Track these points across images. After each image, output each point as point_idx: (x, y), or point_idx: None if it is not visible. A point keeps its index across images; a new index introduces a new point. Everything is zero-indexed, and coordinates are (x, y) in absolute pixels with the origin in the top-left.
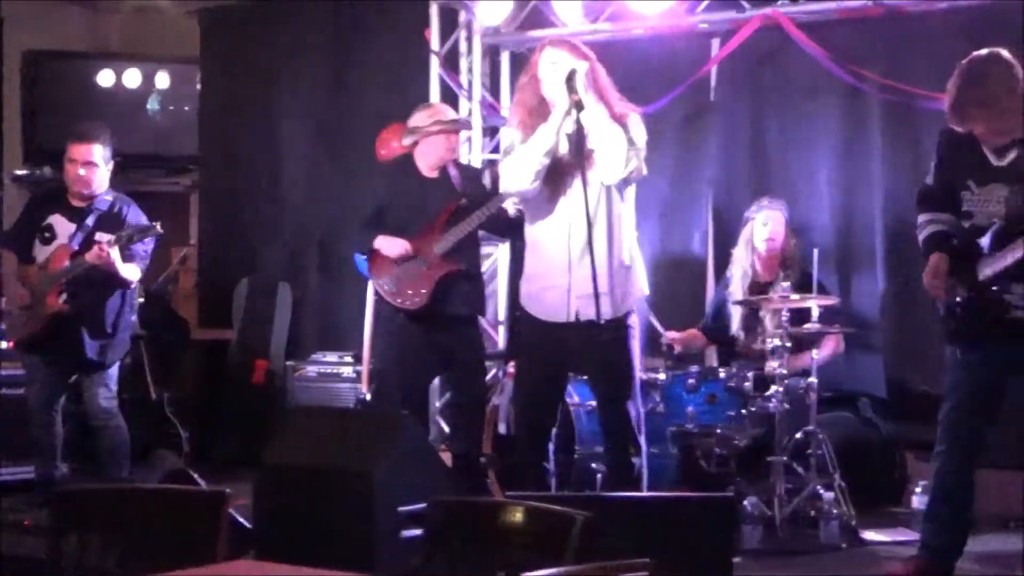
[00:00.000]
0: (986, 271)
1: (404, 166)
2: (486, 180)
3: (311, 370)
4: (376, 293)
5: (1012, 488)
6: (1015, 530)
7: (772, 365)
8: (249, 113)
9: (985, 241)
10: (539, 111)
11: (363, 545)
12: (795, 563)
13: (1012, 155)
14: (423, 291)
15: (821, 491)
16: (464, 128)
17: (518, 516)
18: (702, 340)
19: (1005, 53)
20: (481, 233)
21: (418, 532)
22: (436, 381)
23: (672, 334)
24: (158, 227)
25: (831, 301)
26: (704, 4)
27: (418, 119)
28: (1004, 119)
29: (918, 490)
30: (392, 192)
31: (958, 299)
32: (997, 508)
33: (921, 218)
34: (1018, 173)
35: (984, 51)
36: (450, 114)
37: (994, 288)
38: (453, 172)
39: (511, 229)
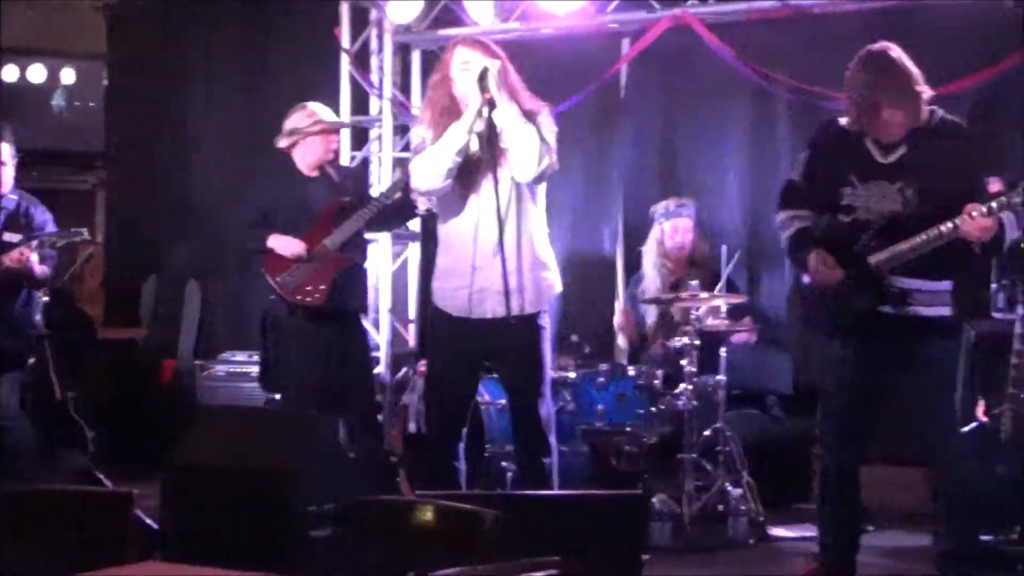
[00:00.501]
0: (879, 263)
1: (285, 166)
2: (396, 177)
3: (220, 369)
4: (272, 296)
5: (915, 483)
6: (920, 525)
7: (682, 363)
8: (157, 110)
9: (870, 235)
10: (450, 110)
11: (272, 545)
12: (704, 560)
13: (899, 152)
14: (322, 287)
15: (729, 488)
16: (343, 128)
17: (428, 515)
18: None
19: (896, 47)
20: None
21: (328, 532)
22: None
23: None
24: (85, 233)
25: (740, 299)
26: (614, 4)
27: (296, 120)
28: (908, 109)
29: None
30: (276, 192)
31: (832, 299)
32: (902, 504)
33: (783, 214)
34: (904, 170)
35: (879, 44)
36: (328, 115)
37: (882, 281)
38: (331, 171)
39: (398, 222)
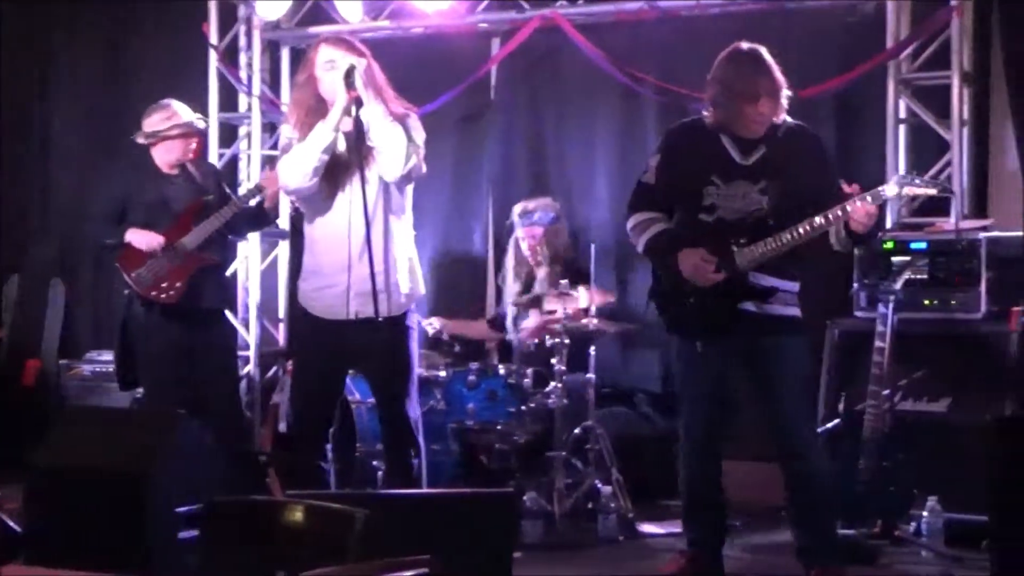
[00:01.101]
0: (745, 261)
1: (147, 162)
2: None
3: (86, 369)
4: (127, 291)
5: (778, 479)
6: (784, 520)
7: (552, 362)
8: (17, 107)
9: (736, 234)
10: (317, 109)
11: (138, 548)
12: (574, 557)
13: (758, 154)
14: (178, 284)
15: (599, 485)
16: (202, 128)
17: (298, 515)
18: (478, 328)
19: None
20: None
21: (195, 533)
22: None
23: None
24: None
25: (608, 298)
26: (484, 4)
27: (155, 122)
28: (771, 108)
29: None
30: (135, 189)
31: (691, 298)
32: (768, 499)
33: (636, 218)
34: (764, 171)
35: (746, 44)
36: (188, 115)
37: (747, 280)
38: (192, 169)
39: (254, 227)
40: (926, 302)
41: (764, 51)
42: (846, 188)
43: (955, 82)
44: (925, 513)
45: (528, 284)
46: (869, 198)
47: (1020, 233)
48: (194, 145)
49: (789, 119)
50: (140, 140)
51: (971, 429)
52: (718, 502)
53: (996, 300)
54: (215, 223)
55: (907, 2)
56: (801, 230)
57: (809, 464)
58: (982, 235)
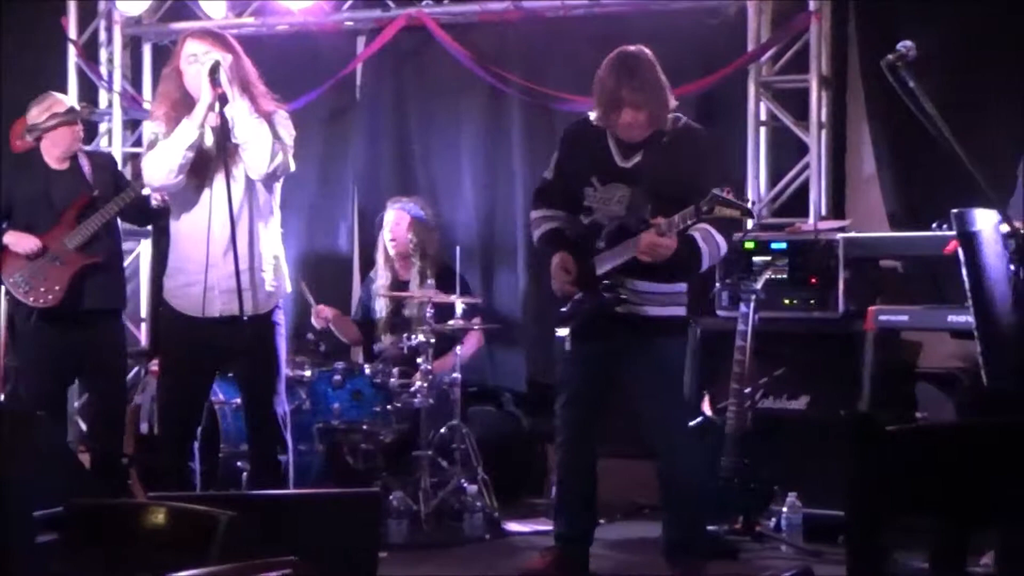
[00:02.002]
0: (604, 267)
1: (32, 159)
2: (127, 173)
3: None
4: (8, 292)
5: (643, 476)
6: (648, 516)
7: (418, 361)
8: None
9: (601, 238)
10: (183, 104)
11: None
12: (440, 556)
13: (637, 158)
14: (57, 288)
15: (465, 485)
16: (84, 116)
17: (160, 517)
18: (354, 329)
19: (649, 52)
20: (124, 225)
21: (54, 537)
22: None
23: (324, 309)
24: None
25: (473, 299)
26: (349, 3)
27: (33, 116)
28: (652, 112)
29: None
30: (18, 186)
31: (577, 295)
32: (630, 496)
33: (535, 213)
34: (640, 176)
35: (634, 46)
36: (65, 105)
37: (607, 283)
38: (84, 162)
39: (152, 218)
40: (786, 301)
41: (645, 57)
42: (658, 221)
43: (813, 85)
44: (785, 509)
45: (395, 282)
46: (664, 226)
47: (876, 234)
48: (81, 133)
49: (685, 120)
50: (28, 138)
51: (829, 426)
52: (589, 500)
53: (853, 300)
54: (99, 221)
55: (768, 5)
56: (626, 248)
57: (681, 463)
58: (839, 236)
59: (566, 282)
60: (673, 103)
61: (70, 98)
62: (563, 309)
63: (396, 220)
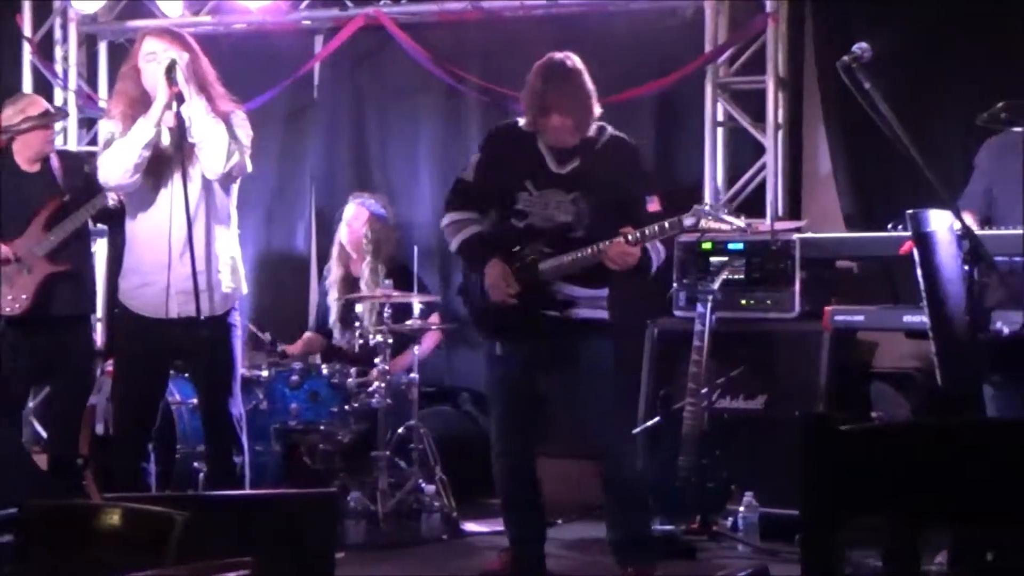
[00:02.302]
0: (551, 271)
1: (2, 158)
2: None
3: None
4: None
5: (592, 477)
6: (599, 517)
7: (375, 361)
8: None
9: (544, 243)
10: (140, 102)
11: None
12: (398, 556)
13: (574, 164)
14: (24, 296)
15: (423, 485)
16: (58, 119)
17: (116, 518)
18: (319, 341)
19: (577, 58)
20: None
21: (9, 538)
22: None
23: (289, 348)
24: None
25: (431, 298)
26: (307, 1)
27: (7, 116)
28: (579, 118)
29: None
30: None
31: (493, 302)
32: (581, 497)
33: (453, 216)
34: (578, 182)
35: (561, 53)
36: (41, 107)
37: (546, 289)
38: (55, 164)
39: (115, 216)
40: (743, 302)
41: (577, 62)
42: (651, 206)
43: (770, 87)
44: (742, 508)
45: (346, 272)
46: (632, 239)
47: (832, 235)
48: (53, 137)
49: (611, 129)
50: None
51: (785, 426)
52: (534, 500)
53: (809, 300)
54: (69, 227)
55: (725, 7)
56: (581, 253)
57: (622, 463)
58: (796, 236)
59: (507, 294)
60: (598, 111)
61: (42, 102)
62: (484, 309)
63: (355, 215)
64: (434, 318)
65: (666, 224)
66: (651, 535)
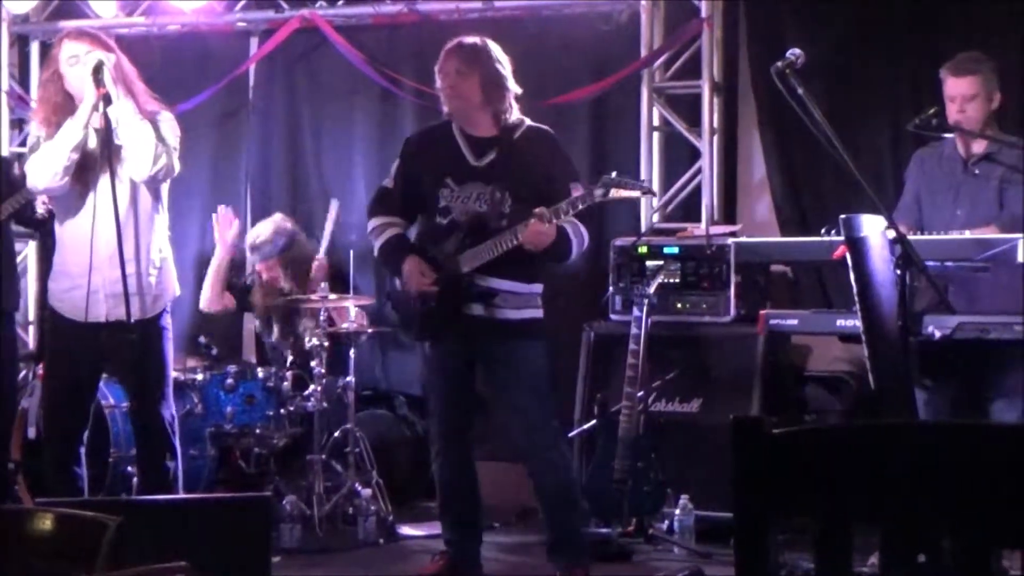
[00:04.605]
0: (470, 263)
1: None
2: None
3: None
4: None
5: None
6: (538, 521)
7: (311, 364)
8: None
9: (463, 235)
10: (64, 106)
11: None
12: (333, 560)
13: (491, 156)
14: None
15: (359, 488)
16: None
17: (47, 524)
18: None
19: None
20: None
21: None
22: None
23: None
24: None
25: (366, 301)
26: (242, 3)
27: None
28: (496, 102)
29: None
30: None
31: (417, 301)
32: (520, 500)
33: (376, 221)
34: (496, 173)
35: (472, 37)
36: None
37: (469, 282)
38: None
39: (42, 223)
40: (678, 305)
41: (491, 45)
42: (575, 192)
43: (705, 91)
44: (677, 511)
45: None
46: (548, 214)
47: (767, 239)
48: None
49: (529, 121)
50: None
51: (720, 429)
52: (471, 502)
53: (744, 304)
54: None
55: (660, 12)
56: (499, 239)
57: (549, 464)
58: (731, 241)
59: (424, 284)
60: (512, 102)
61: None
62: (416, 311)
63: (264, 268)
64: (361, 317)
65: (576, 198)
66: (583, 536)
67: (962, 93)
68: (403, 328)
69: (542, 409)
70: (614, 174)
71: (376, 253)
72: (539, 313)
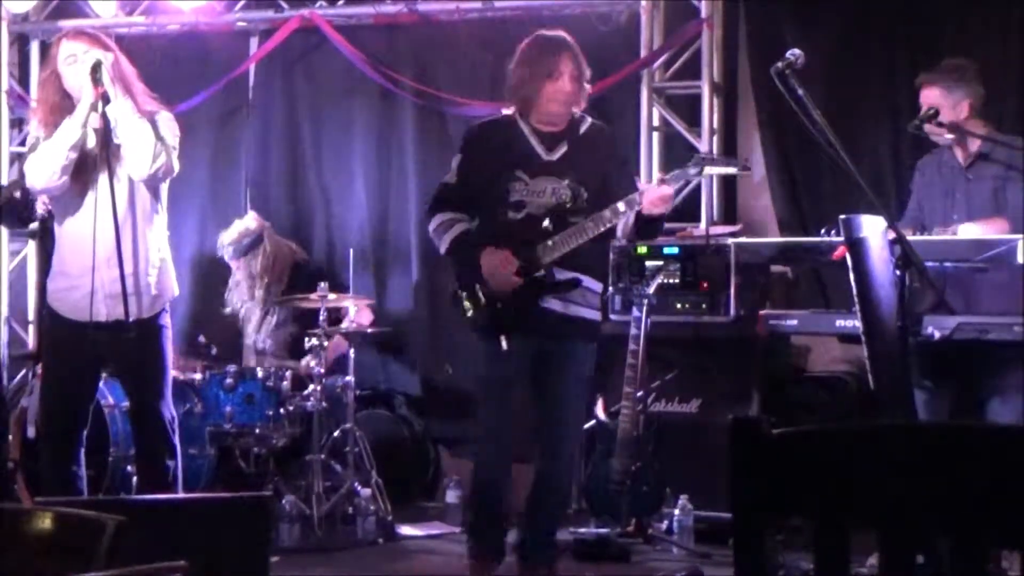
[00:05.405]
0: (555, 253)
1: None
2: (14, 172)
3: None
4: None
5: (518, 481)
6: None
7: (310, 364)
8: None
9: (547, 228)
10: (62, 106)
11: None
12: (332, 560)
13: (562, 150)
14: None
15: (358, 488)
16: None
17: (46, 523)
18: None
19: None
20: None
21: None
22: None
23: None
24: None
25: (366, 301)
26: (242, 3)
27: None
28: (573, 89)
29: (451, 484)
30: None
31: (495, 296)
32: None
33: (441, 217)
34: (569, 166)
35: (552, 30)
36: None
37: (550, 275)
38: None
39: (16, 222)
40: (678, 306)
41: (570, 39)
42: (640, 185)
43: (705, 92)
44: (676, 511)
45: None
46: (668, 178)
47: (767, 239)
48: None
49: (590, 117)
50: None
51: (719, 429)
52: (505, 504)
53: (744, 304)
54: None
55: (660, 13)
56: (605, 215)
57: (554, 465)
58: (731, 241)
59: (511, 276)
60: (589, 90)
61: None
62: (486, 306)
63: (236, 267)
64: (366, 316)
65: (674, 175)
66: (554, 535)
67: (926, 103)
68: (474, 324)
69: (581, 412)
70: (712, 154)
71: (445, 249)
72: (599, 315)
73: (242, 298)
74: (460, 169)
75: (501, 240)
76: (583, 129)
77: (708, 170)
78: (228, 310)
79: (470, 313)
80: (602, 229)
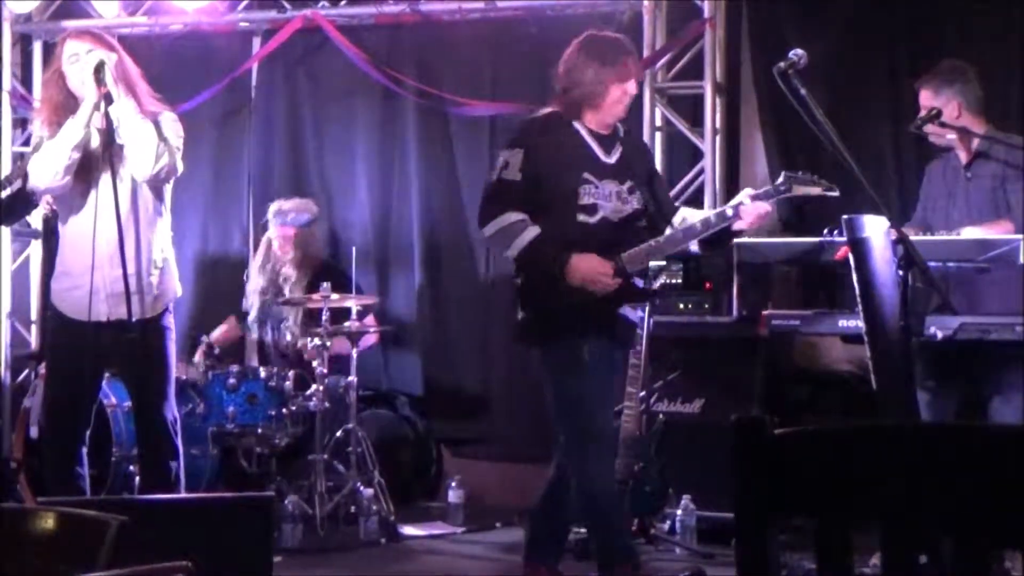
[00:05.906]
0: (639, 262)
1: None
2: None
3: None
4: None
5: (532, 480)
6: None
7: (312, 364)
8: None
9: (628, 233)
10: (66, 105)
11: None
12: (335, 560)
13: (617, 153)
14: None
15: (361, 488)
16: None
17: (50, 523)
18: (236, 329)
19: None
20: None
21: None
22: None
23: (214, 337)
24: None
25: (369, 301)
26: (244, 3)
27: None
28: (633, 92)
29: (453, 484)
30: None
31: (576, 303)
32: (522, 500)
33: (508, 217)
34: (626, 170)
35: (603, 31)
36: None
37: (633, 284)
38: None
39: (13, 216)
40: (680, 306)
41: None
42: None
43: (708, 92)
44: (679, 511)
45: (274, 281)
46: (759, 194)
47: (770, 239)
48: None
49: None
50: None
51: (722, 429)
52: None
53: (747, 304)
54: None
55: (662, 13)
56: (697, 227)
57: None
58: (734, 241)
59: (609, 280)
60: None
61: None
62: (565, 312)
63: (281, 235)
64: (369, 320)
65: (779, 187)
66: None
67: (922, 105)
68: (548, 330)
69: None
70: (799, 172)
71: (516, 254)
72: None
73: (262, 287)
74: (522, 167)
75: (578, 245)
76: (622, 132)
77: (796, 188)
78: (248, 285)
79: (549, 320)
80: (689, 240)
